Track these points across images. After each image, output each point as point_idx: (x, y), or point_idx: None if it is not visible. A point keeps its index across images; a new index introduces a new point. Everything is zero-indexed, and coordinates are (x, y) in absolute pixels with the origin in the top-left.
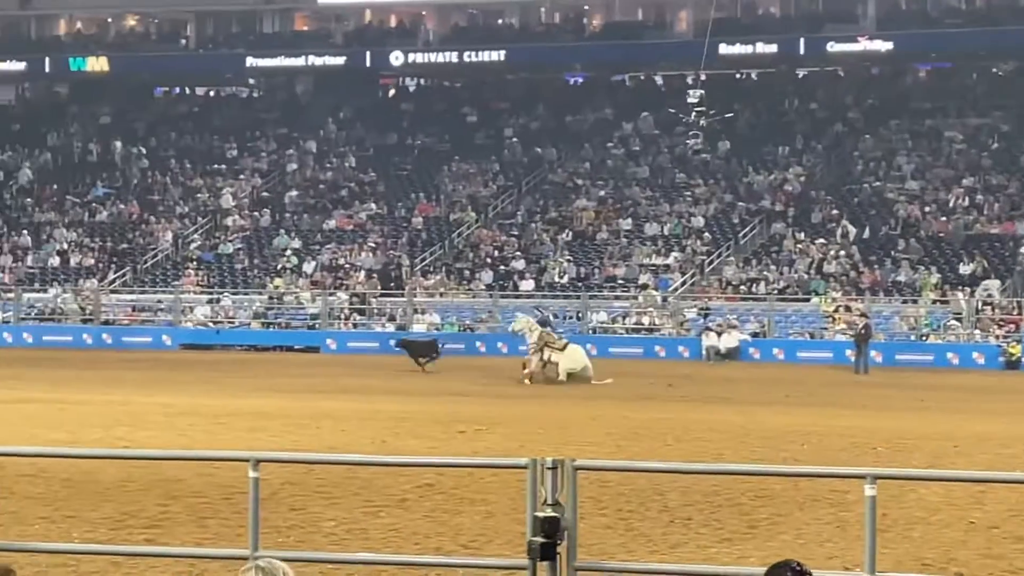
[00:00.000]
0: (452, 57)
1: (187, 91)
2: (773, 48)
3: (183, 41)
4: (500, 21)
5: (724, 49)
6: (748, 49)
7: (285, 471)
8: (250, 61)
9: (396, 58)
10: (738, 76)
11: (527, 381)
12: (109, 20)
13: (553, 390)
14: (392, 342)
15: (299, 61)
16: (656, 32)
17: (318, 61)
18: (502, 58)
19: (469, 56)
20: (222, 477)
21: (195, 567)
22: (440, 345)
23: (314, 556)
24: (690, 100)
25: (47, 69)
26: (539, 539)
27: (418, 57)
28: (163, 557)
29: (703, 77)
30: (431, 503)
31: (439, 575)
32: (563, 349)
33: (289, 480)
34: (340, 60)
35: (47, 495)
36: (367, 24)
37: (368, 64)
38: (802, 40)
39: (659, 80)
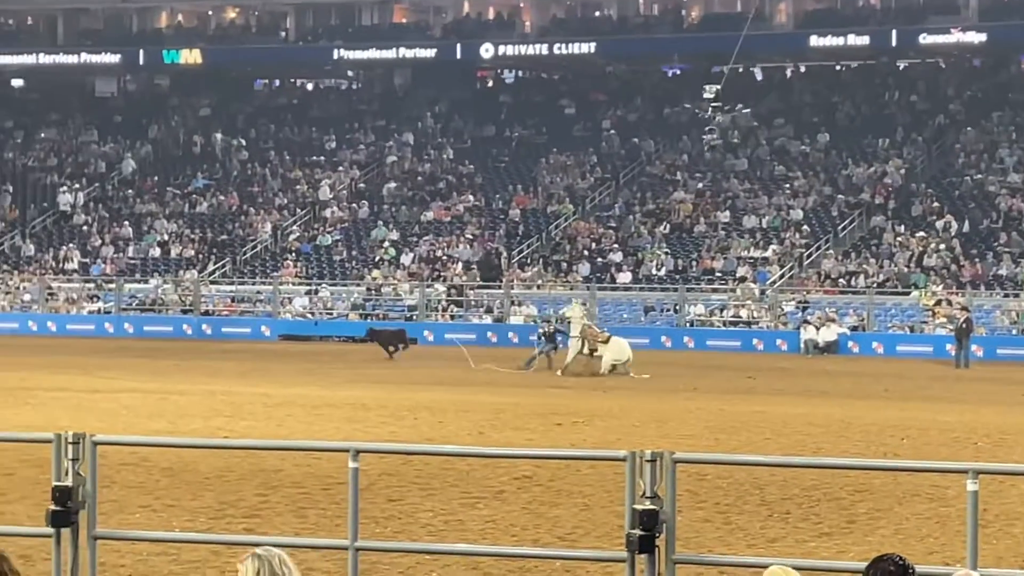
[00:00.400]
0: (543, 49)
1: (286, 83)
2: (865, 40)
3: (282, 34)
4: (598, 13)
5: (815, 41)
6: (840, 41)
7: (383, 462)
8: (339, 54)
9: (487, 50)
10: (837, 68)
11: (560, 373)
12: (209, 13)
13: (647, 383)
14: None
15: (390, 53)
16: (755, 23)
17: (409, 53)
18: (593, 50)
19: (560, 48)
20: (321, 467)
21: (294, 556)
22: (408, 334)
23: (411, 547)
24: (706, 96)
25: (141, 62)
26: (637, 532)
27: (509, 49)
28: (263, 546)
29: (802, 69)
30: (528, 495)
31: (536, 567)
32: (606, 342)
33: (387, 471)
34: (431, 52)
35: (148, 484)
36: (465, 16)
37: (459, 56)
38: (894, 32)
39: (757, 72)
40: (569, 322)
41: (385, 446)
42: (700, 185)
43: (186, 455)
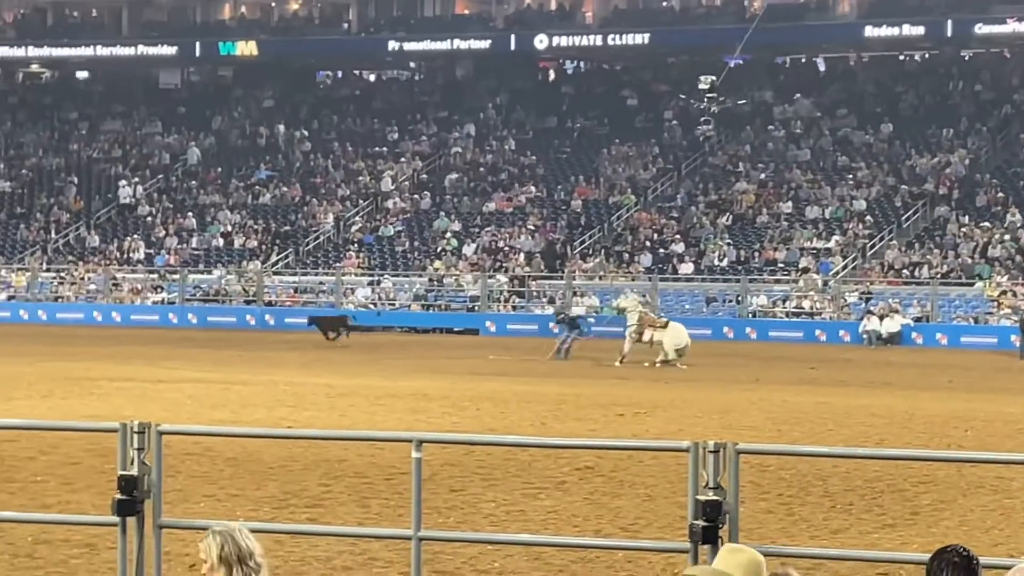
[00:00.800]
0: (597, 40)
1: (349, 75)
2: (920, 30)
3: (344, 25)
4: (664, 3)
5: (870, 31)
6: (895, 31)
7: (445, 452)
8: (394, 45)
9: (540, 42)
10: (901, 58)
11: (617, 363)
12: (272, 4)
13: (709, 374)
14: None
15: (444, 45)
16: (817, 13)
17: (463, 44)
18: (646, 41)
19: (614, 39)
20: (383, 457)
21: (357, 546)
22: (349, 321)
23: (474, 537)
24: (701, 87)
25: (198, 53)
26: (701, 522)
27: (563, 40)
28: (326, 536)
29: (865, 59)
30: (590, 486)
31: (598, 557)
32: (664, 327)
33: (449, 461)
34: (486, 44)
35: (212, 473)
36: (526, 7)
37: (513, 47)
38: (949, 22)
39: (820, 63)
40: (625, 313)
41: (448, 436)
42: (763, 176)
43: (250, 445)
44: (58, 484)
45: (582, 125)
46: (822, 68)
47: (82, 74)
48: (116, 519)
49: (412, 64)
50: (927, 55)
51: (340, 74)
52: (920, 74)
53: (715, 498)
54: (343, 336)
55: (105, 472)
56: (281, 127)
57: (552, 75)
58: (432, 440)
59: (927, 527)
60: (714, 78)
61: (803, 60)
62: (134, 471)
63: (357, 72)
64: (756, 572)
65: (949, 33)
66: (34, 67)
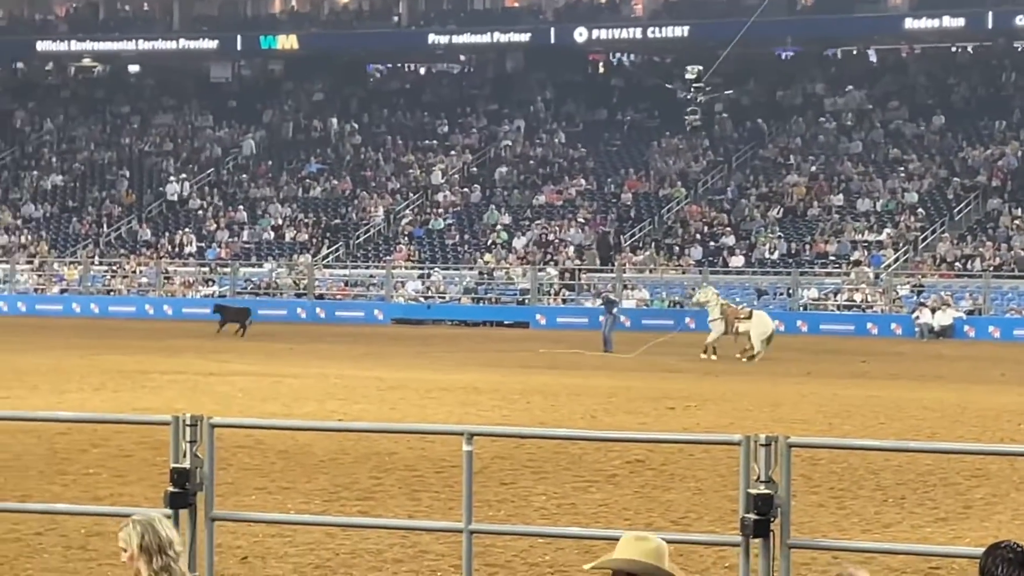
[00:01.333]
0: (636, 33)
1: (399, 68)
2: (960, 22)
3: (395, 18)
4: None
5: (910, 24)
6: (935, 23)
7: (496, 445)
8: (433, 38)
9: (580, 34)
10: (953, 49)
11: (703, 355)
12: None
13: (760, 367)
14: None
15: (484, 38)
16: (867, 5)
17: (503, 38)
18: (685, 34)
19: (653, 32)
20: (434, 451)
21: (408, 539)
22: (251, 312)
23: (525, 530)
24: (688, 76)
25: (239, 47)
26: (752, 516)
27: (601, 33)
28: (377, 528)
29: (917, 51)
30: (641, 479)
31: None
32: (748, 318)
33: (499, 454)
34: (525, 37)
35: (263, 466)
36: (577, 0)
37: (552, 41)
38: (990, 14)
39: (871, 54)
40: (705, 306)
41: (498, 429)
42: (813, 168)
43: (301, 438)
44: (110, 476)
45: (632, 118)
46: (873, 60)
47: (133, 68)
48: (168, 511)
49: (462, 57)
50: (979, 47)
51: (389, 67)
52: (972, 66)
53: (767, 492)
54: (245, 327)
55: (157, 465)
56: (334, 120)
57: (601, 68)
58: (483, 433)
59: (979, 521)
60: (700, 68)
61: (854, 52)
62: (186, 464)
63: (407, 65)
64: (660, 559)
65: (990, 25)
66: (86, 61)
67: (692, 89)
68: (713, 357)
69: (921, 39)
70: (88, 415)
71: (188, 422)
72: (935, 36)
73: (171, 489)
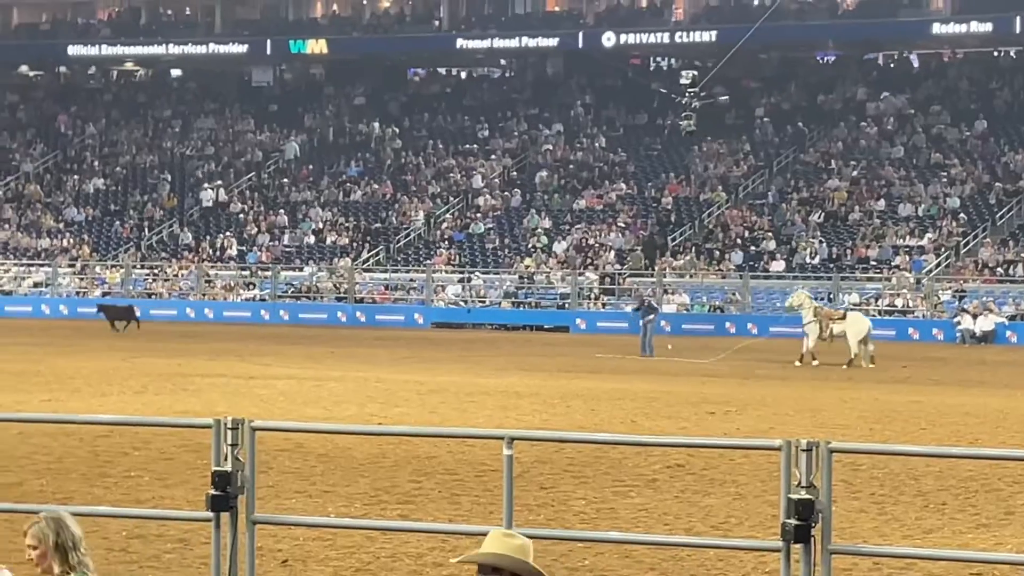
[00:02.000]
0: (664, 38)
1: (440, 72)
2: (988, 28)
3: (436, 23)
4: (756, 1)
5: (937, 29)
6: (962, 28)
7: (535, 449)
8: (461, 43)
9: (608, 39)
10: (996, 54)
11: (798, 363)
12: (364, 2)
13: (802, 372)
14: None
15: (513, 43)
16: (911, 10)
17: (531, 43)
18: (713, 39)
19: (680, 37)
20: (474, 454)
21: (447, 543)
22: (135, 311)
23: (564, 534)
24: (682, 81)
25: (268, 51)
26: (793, 521)
27: (630, 38)
28: (417, 532)
29: (960, 55)
30: (681, 484)
31: (689, 555)
32: (842, 319)
33: (539, 458)
34: (553, 42)
35: (304, 469)
36: (617, 4)
37: (580, 46)
38: (1018, 18)
39: (914, 59)
40: (798, 310)
41: (539, 433)
42: (855, 173)
43: (341, 441)
44: (152, 479)
45: (672, 122)
46: (915, 64)
47: (175, 72)
48: (210, 515)
49: (502, 61)
50: (1021, 51)
51: (429, 72)
52: (1015, 70)
53: (807, 497)
54: (128, 325)
55: (198, 468)
56: (375, 124)
57: (642, 72)
58: (523, 437)
59: (1022, 527)
60: (695, 73)
61: (895, 56)
62: (228, 467)
63: (448, 70)
64: (526, 555)
65: (1018, 29)
66: (128, 65)
67: (688, 94)
68: (814, 363)
69: (963, 43)
70: (130, 418)
71: (229, 425)
72: (976, 41)
73: (212, 492)
